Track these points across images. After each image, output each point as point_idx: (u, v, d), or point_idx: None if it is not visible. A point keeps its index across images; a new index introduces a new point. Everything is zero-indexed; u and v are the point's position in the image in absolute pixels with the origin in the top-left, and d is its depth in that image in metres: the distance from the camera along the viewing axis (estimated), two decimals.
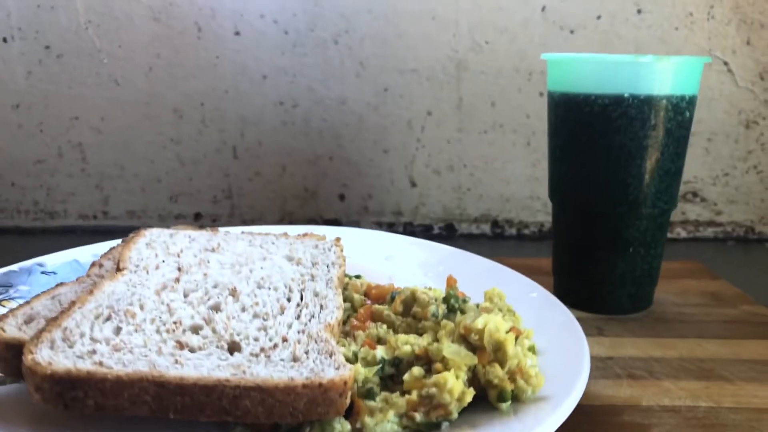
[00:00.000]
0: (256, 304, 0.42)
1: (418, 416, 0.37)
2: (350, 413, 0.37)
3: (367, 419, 0.37)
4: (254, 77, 0.92)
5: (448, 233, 0.96)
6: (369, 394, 0.38)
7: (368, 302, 0.48)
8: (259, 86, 0.92)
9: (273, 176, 0.95)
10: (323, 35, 0.90)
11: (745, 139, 0.93)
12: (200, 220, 0.96)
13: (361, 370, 0.39)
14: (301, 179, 0.95)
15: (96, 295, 0.40)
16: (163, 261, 0.46)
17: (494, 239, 0.96)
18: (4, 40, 0.91)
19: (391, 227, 0.96)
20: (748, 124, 0.92)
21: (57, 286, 0.47)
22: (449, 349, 0.39)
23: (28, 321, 0.42)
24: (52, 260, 0.59)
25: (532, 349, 0.44)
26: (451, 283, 0.51)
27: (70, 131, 0.94)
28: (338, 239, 0.53)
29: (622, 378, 0.49)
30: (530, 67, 0.91)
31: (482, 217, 0.96)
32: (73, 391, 0.35)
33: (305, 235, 0.54)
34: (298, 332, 0.40)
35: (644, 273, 0.59)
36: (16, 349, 0.40)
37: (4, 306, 0.52)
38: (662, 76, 0.53)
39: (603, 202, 0.57)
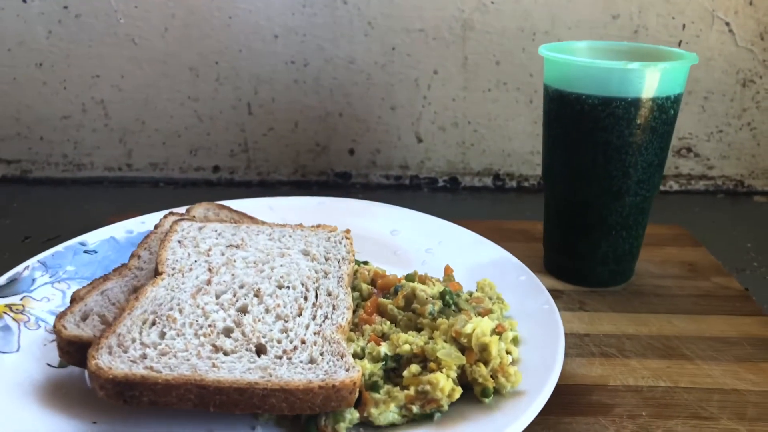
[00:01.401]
0: (278, 305, 0.49)
1: (415, 408, 0.44)
2: (359, 403, 0.45)
3: (373, 410, 0.44)
4: (266, 37, 0.95)
5: (452, 186, 1.02)
6: (374, 387, 0.45)
7: (375, 291, 0.55)
8: (271, 45, 0.95)
9: (286, 131, 1.00)
10: None
11: (741, 98, 0.96)
12: (218, 172, 1.02)
13: (367, 365, 0.46)
14: (312, 134, 1.00)
15: (141, 301, 0.47)
16: (195, 261, 0.52)
17: (495, 191, 1.02)
18: (23, 0, 0.94)
19: (398, 180, 1.02)
20: (745, 82, 0.95)
21: (104, 280, 0.54)
22: (442, 351, 0.46)
23: (84, 318, 0.50)
24: (92, 238, 0.66)
25: (515, 340, 0.51)
26: (448, 272, 0.58)
27: (93, 88, 0.98)
28: (348, 231, 0.60)
29: (596, 356, 0.56)
30: (534, 27, 0.93)
31: (484, 171, 1.01)
32: (130, 391, 0.42)
33: (318, 226, 0.60)
34: (314, 333, 0.47)
35: (625, 252, 0.65)
36: (76, 344, 0.48)
37: (57, 288, 0.59)
38: (649, 80, 0.57)
39: (589, 191, 0.62)
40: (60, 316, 0.49)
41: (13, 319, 0.54)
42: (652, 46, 0.66)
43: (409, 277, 0.57)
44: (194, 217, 0.65)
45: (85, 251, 0.65)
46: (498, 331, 0.48)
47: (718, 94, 0.96)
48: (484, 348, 0.46)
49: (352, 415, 0.44)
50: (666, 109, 0.59)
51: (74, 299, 0.55)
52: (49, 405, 0.46)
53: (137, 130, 1.00)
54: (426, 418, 0.44)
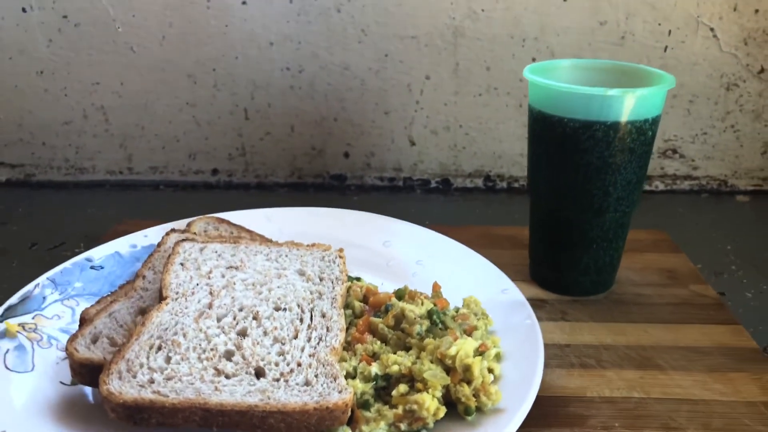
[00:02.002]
0: (275, 328, 0.52)
1: (403, 426, 0.48)
2: (351, 421, 0.48)
3: (364, 427, 0.48)
4: (262, 44, 0.97)
5: (444, 187, 1.05)
6: (365, 405, 0.49)
7: (367, 309, 0.58)
8: (266, 52, 0.98)
9: (282, 135, 1.02)
10: (326, 4, 0.95)
11: (725, 101, 0.98)
12: (217, 175, 1.05)
13: (359, 385, 0.50)
14: (308, 138, 1.02)
15: (147, 326, 0.51)
16: (197, 284, 0.56)
17: (486, 192, 1.05)
18: (23, 10, 0.96)
19: (391, 181, 1.05)
20: (729, 86, 0.98)
21: (111, 301, 0.57)
22: (428, 372, 0.49)
23: (94, 340, 0.53)
24: (98, 254, 0.69)
25: (497, 356, 0.55)
26: (436, 288, 0.61)
27: (93, 95, 1.01)
28: (341, 250, 0.63)
29: (575, 367, 0.60)
30: (524, 33, 0.95)
31: (476, 173, 1.04)
32: (139, 414, 0.46)
33: (314, 245, 0.63)
34: (309, 356, 0.50)
35: (606, 263, 0.69)
36: (88, 366, 0.51)
37: (66, 306, 0.63)
38: (628, 105, 0.60)
39: (571, 208, 0.65)
40: (71, 339, 0.52)
41: (27, 338, 0.57)
42: (633, 66, 0.68)
43: (399, 292, 0.61)
44: (195, 234, 0.68)
45: (92, 267, 0.68)
46: (481, 351, 0.52)
47: (702, 98, 0.98)
48: (467, 369, 0.49)
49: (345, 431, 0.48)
50: (644, 131, 0.62)
51: (83, 319, 0.58)
52: (63, 423, 0.50)
53: (137, 135, 1.03)
54: None
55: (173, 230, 0.68)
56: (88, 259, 0.68)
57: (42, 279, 0.64)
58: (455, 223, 0.93)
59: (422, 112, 1.00)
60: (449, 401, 0.50)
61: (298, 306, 0.55)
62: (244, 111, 1.01)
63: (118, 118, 1.02)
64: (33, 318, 0.60)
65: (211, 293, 0.55)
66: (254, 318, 0.53)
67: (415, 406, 0.48)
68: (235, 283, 0.56)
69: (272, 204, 1.00)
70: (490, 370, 0.52)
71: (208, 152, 1.04)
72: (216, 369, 0.48)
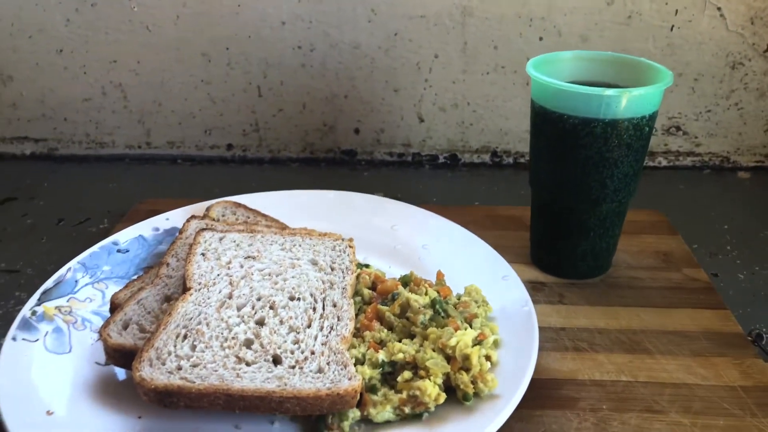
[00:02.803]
0: (290, 318, 0.57)
1: (407, 409, 0.53)
2: (360, 403, 0.53)
3: (372, 410, 0.53)
4: (274, 24, 0.99)
5: (451, 162, 1.08)
6: (373, 389, 0.54)
7: (375, 296, 0.63)
8: (278, 32, 1.00)
9: (295, 112, 1.05)
10: None
11: (730, 79, 1.00)
12: (232, 150, 1.09)
13: (367, 371, 0.54)
14: (320, 115, 1.05)
15: (174, 316, 0.55)
16: (218, 275, 0.60)
17: (493, 167, 1.08)
18: None
19: (401, 157, 1.08)
20: (734, 65, 0.99)
21: (138, 288, 0.62)
22: (430, 360, 0.54)
23: (125, 326, 0.58)
24: (123, 237, 0.74)
25: (495, 342, 0.59)
26: (439, 277, 0.66)
27: (111, 73, 1.04)
28: (351, 240, 0.67)
29: (569, 350, 0.64)
30: (531, 13, 0.97)
31: (483, 149, 1.07)
32: (169, 398, 0.51)
33: (325, 234, 0.67)
34: (322, 344, 0.55)
35: (603, 249, 0.72)
36: (120, 351, 0.56)
37: (97, 289, 0.67)
38: (625, 103, 0.63)
39: (569, 199, 0.69)
40: (105, 326, 0.57)
41: (63, 320, 0.62)
42: (634, 59, 0.71)
43: (405, 279, 0.65)
44: (213, 220, 0.73)
45: (118, 250, 0.72)
46: (480, 340, 0.56)
47: (707, 76, 1.00)
48: (466, 358, 0.54)
49: (354, 414, 0.53)
50: (641, 127, 0.65)
51: (113, 304, 0.63)
52: (99, 402, 0.55)
53: (154, 112, 1.06)
54: (416, 417, 0.53)
55: (193, 217, 0.72)
56: (115, 243, 0.73)
57: (73, 263, 0.69)
58: (462, 198, 0.97)
59: (431, 90, 1.03)
60: (449, 387, 0.54)
61: (311, 295, 0.59)
62: (258, 89, 1.04)
63: (136, 95, 1.05)
64: (67, 301, 0.65)
65: (231, 283, 0.59)
66: (271, 307, 0.58)
67: (417, 392, 0.52)
68: (252, 274, 0.61)
69: (285, 178, 1.04)
70: (488, 357, 0.56)
71: (223, 128, 1.07)
72: (237, 357, 0.53)
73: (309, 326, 0.56)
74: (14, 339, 0.59)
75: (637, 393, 0.59)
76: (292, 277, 0.61)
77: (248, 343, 0.55)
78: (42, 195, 1.00)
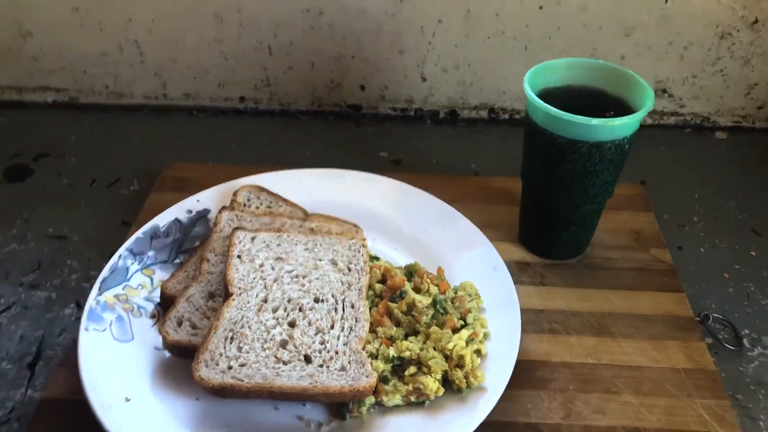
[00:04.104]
0: (317, 320, 0.68)
1: (413, 398, 0.66)
2: (375, 392, 0.66)
3: (384, 397, 0.66)
4: None
5: (451, 118, 1.15)
6: (385, 380, 0.67)
7: (385, 290, 0.74)
8: None
9: (304, 70, 1.11)
10: None
11: (718, 48, 1.06)
12: (245, 102, 1.15)
13: (380, 365, 0.67)
14: (327, 73, 1.11)
15: (221, 321, 0.67)
16: (253, 278, 0.71)
17: (489, 123, 1.15)
18: None
19: (404, 111, 1.15)
20: (723, 35, 1.04)
21: (185, 287, 0.73)
22: (432, 360, 0.66)
23: (179, 323, 0.70)
24: (162, 222, 0.83)
25: (485, 335, 0.71)
26: (440, 272, 0.77)
27: (127, 31, 1.08)
28: (364, 240, 0.77)
29: (545, 333, 0.77)
30: None
31: (481, 105, 1.14)
32: (223, 393, 0.63)
33: (342, 234, 0.77)
34: (344, 344, 0.67)
35: (582, 238, 0.83)
36: (177, 346, 0.68)
37: (145, 275, 0.78)
38: (609, 129, 0.71)
39: (553, 200, 0.78)
40: (162, 323, 0.69)
41: (122, 308, 0.74)
42: (622, 70, 0.77)
43: (410, 268, 0.76)
44: (241, 204, 0.82)
45: (159, 235, 0.82)
46: (472, 337, 0.69)
47: (697, 45, 1.05)
48: (461, 358, 0.66)
49: (370, 400, 0.66)
50: (622, 145, 0.73)
51: (163, 293, 0.74)
52: (161, 385, 0.68)
53: (170, 67, 1.12)
54: (420, 404, 0.66)
55: (224, 208, 0.82)
56: (155, 227, 0.83)
57: (122, 250, 0.79)
58: (461, 151, 1.06)
59: (434, 52, 1.08)
60: (446, 380, 0.67)
61: (333, 297, 0.71)
62: (268, 48, 1.09)
63: (152, 52, 1.10)
64: (123, 289, 0.76)
65: (265, 287, 0.70)
66: (300, 310, 0.69)
67: (421, 386, 0.65)
68: (283, 277, 0.71)
69: (295, 130, 1.12)
70: (478, 351, 0.69)
71: (236, 83, 1.13)
72: (276, 357, 0.65)
73: (332, 327, 0.68)
74: (87, 330, 0.70)
75: (599, 375, 0.72)
76: (316, 278, 0.72)
77: (284, 344, 0.67)
78: (72, 151, 1.08)
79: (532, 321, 0.78)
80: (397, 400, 0.66)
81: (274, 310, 0.69)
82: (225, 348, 0.66)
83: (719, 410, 0.69)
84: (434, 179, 0.96)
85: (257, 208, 0.84)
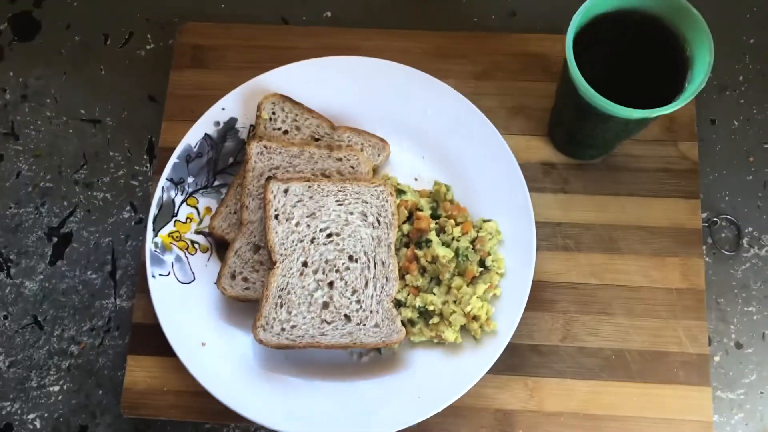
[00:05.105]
0: (353, 280, 0.77)
1: (435, 340, 0.80)
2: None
3: (412, 337, 0.80)
4: None
5: None
6: (412, 323, 0.80)
7: (412, 229, 0.80)
8: None
9: None
10: None
11: None
12: None
13: (408, 313, 0.79)
14: None
15: (271, 290, 0.76)
16: (292, 241, 0.77)
17: None
18: None
19: None
20: None
21: (231, 242, 0.80)
22: (452, 316, 0.77)
23: (233, 277, 0.80)
24: (192, 140, 0.85)
25: (501, 275, 0.80)
26: (463, 212, 0.81)
27: None
28: (392, 187, 0.79)
29: (559, 250, 0.84)
30: None
31: None
32: (282, 350, 0.78)
33: (371, 180, 0.79)
34: (377, 303, 0.77)
35: (610, 145, 0.83)
36: (235, 299, 0.80)
37: (189, 206, 0.84)
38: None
39: (580, 144, 0.77)
40: (219, 279, 0.79)
41: (178, 247, 0.83)
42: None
43: (435, 196, 0.82)
44: (265, 120, 0.83)
45: (193, 157, 0.85)
46: (488, 290, 0.78)
47: None
48: (477, 313, 0.77)
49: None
50: (652, 119, 0.69)
51: (213, 234, 0.82)
52: (223, 318, 0.82)
53: None
54: (441, 343, 0.80)
55: (251, 139, 0.82)
56: (187, 148, 0.85)
57: (162, 181, 0.84)
58: None
59: None
60: (463, 327, 0.79)
61: (365, 254, 0.78)
62: None
63: None
64: (174, 225, 0.83)
65: (303, 250, 0.78)
66: (336, 271, 0.78)
67: (443, 335, 0.78)
68: (318, 237, 0.78)
69: None
70: (494, 295, 0.79)
71: None
72: (320, 318, 0.78)
73: (366, 286, 0.78)
74: (153, 276, 0.81)
75: (599, 296, 0.82)
76: (348, 236, 0.78)
77: (325, 306, 0.78)
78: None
79: (548, 236, 0.84)
80: (423, 337, 0.80)
81: (315, 273, 0.78)
82: (277, 313, 0.77)
83: (696, 330, 0.81)
84: (465, 40, 0.90)
85: (283, 122, 0.84)
